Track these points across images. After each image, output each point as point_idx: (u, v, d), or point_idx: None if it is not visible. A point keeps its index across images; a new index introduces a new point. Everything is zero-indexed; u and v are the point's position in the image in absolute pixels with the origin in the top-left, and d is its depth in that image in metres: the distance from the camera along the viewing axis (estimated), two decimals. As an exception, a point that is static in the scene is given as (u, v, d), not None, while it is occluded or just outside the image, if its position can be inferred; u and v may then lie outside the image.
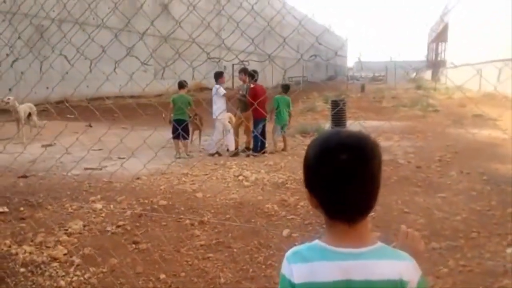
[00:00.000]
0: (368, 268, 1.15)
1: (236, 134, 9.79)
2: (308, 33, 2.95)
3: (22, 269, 3.93)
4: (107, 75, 3.20)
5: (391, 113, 16.69)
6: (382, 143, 10.42)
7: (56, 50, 3.49)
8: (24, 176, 6.92)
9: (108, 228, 4.94)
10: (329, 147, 1.17)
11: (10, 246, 4.36)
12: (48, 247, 4.38)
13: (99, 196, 6.05)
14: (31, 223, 4.78)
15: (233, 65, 12.20)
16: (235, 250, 4.39)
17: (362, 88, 28.83)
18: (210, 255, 4.29)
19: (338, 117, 10.43)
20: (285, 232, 4.81)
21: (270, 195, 6.30)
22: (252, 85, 9.43)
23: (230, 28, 3.10)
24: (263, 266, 4.09)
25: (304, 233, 4.70)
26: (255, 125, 9.26)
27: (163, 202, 5.85)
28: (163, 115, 9.29)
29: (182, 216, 5.23)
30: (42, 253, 4.24)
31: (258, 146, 9.35)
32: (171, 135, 8.72)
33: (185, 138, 9.20)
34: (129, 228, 4.93)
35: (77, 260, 4.10)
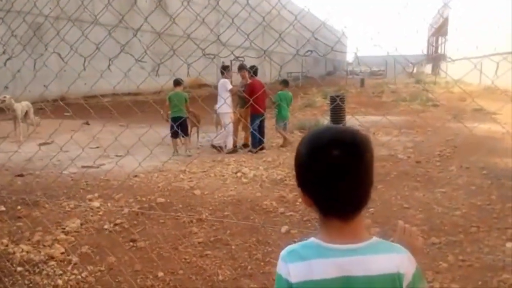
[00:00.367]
0: (366, 264, 1.14)
1: (235, 131, 9.75)
2: (307, 28, 2.91)
3: (19, 268, 3.91)
4: (102, 72, 3.17)
5: (391, 107, 16.65)
6: (382, 138, 10.41)
7: (52, 47, 3.45)
8: (21, 175, 6.90)
9: (106, 226, 4.92)
10: (321, 143, 1.16)
11: (7, 245, 4.34)
12: (45, 246, 4.36)
13: (96, 194, 6.03)
14: (28, 222, 4.75)
15: (231, 61, 12.17)
16: (233, 247, 4.38)
17: (362, 83, 28.78)
18: (208, 252, 4.27)
19: (337, 112, 10.38)
20: (284, 228, 4.79)
21: (269, 191, 6.28)
22: (249, 81, 9.39)
23: (228, 24, 3.06)
24: (262, 263, 4.07)
25: (302, 229, 4.68)
26: (252, 120, 9.22)
27: (161, 200, 5.82)
28: (162, 113, 9.23)
29: (179, 214, 5.21)
30: (39, 252, 4.23)
31: (256, 143, 9.32)
32: (168, 133, 8.67)
33: (185, 135, 9.17)
34: (126, 226, 4.91)
35: (74, 259, 4.09)
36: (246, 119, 9.52)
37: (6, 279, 3.71)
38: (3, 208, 5.40)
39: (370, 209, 5.26)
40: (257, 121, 9.00)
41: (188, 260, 4.13)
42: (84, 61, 2.82)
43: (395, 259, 1.16)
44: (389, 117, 13.05)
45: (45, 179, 6.80)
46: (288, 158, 8.39)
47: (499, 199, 5.63)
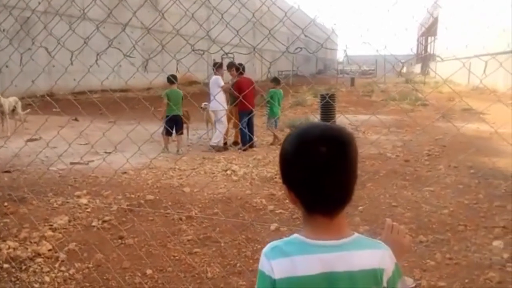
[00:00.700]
0: (350, 259, 1.16)
1: (226, 129, 9.72)
2: (297, 26, 2.91)
3: (5, 265, 3.87)
4: (89, 67, 3.13)
5: (380, 107, 16.74)
6: (371, 136, 10.46)
7: (40, 42, 3.41)
8: (8, 171, 6.82)
9: (94, 223, 4.89)
10: (307, 140, 1.17)
11: (-7, 242, 4.28)
12: (33, 243, 4.32)
13: (84, 191, 5.98)
14: (15, 219, 4.69)
15: (221, 57, 12.13)
16: (222, 244, 4.36)
17: (352, 82, 28.88)
18: (197, 250, 4.26)
19: (327, 111, 10.41)
20: (273, 226, 4.80)
21: (258, 189, 6.28)
22: (236, 78, 9.38)
23: (217, 20, 3.05)
24: (251, 261, 4.06)
25: (292, 227, 4.68)
26: (240, 118, 9.22)
27: (150, 197, 5.79)
28: (158, 110, 9.04)
29: (169, 211, 5.19)
30: (26, 248, 4.18)
31: (246, 140, 9.32)
32: (157, 129, 8.58)
33: (180, 133, 9.12)
34: (115, 223, 4.87)
35: (62, 256, 4.05)
36: (236, 117, 9.52)
37: (-8, 276, 3.67)
38: (-11, 205, 5.33)
39: (359, 207, 5.28)
40: (245, 119, 8.99)
41: (177, 258, 4.11)
42: (72, 56, 2.79)
43: (377, 255, 1.18)
44: (378, 116, 13.12)
45: (33, 176, 6.72)
46: (278, 156, 8.39)
47: (487, 198, 5.69)
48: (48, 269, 3.84)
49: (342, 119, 9.85)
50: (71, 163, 7.01)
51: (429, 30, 45.58)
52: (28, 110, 10.37)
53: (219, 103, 8.68)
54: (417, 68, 46.34)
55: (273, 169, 7.30)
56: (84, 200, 5.56)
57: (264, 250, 1.23)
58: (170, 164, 7.67)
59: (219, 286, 3.64)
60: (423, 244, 4.34)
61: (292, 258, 1.17)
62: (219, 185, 6.46)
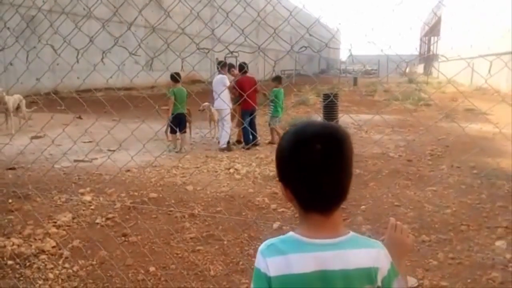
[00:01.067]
0: (345, 258, 1.16)
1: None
2: (302, 25, 2.92)
3: (10, 262, 3.89)
4: (95, 66, 3.15)
5: (383, 107, 16.71)
6: (374, 136, 10.46)
7: (45, 40, 3.43)
8: (13, 168, 6.85)
9: (98, 221, 4.91)
10: (304, 138, 1.18)
11: (-3, 239, 4.31)
12: (37, 240, 4.34)
13: (88, 189, 6.01)
14: (19, 215, 4.72)
15: (225, 56, 12.15)
16: (225, 242, 4.38)
17: (355, 81, 28.83)
18: (200, 247, 4.28)
19: (330, 110, 10.41)
20: (276, 225, 4.81)
21: (261, 188, 6.30)
22: (238, 78, 9.39)
23: (222, 19, 3.06)
24: (253, 259, 4.03)
25: (294, 226, 4.69)
26: (242, 117, 9.23)
27: (154, 195, 5.82)
28: (156, 108, 9.04)
29: (172, 209, 5.21)
30: (31, 245, 4.21)
31: (249, 139, 9.33)
32: (161, 127, 8.58)
33: (184, 132, 9.13)
34: (118, 220, 4.90)
35: (65, 253, 4.08)
36: (239, 116, 9.53)
37: (-3, 272, 3.70)
38: (-6, 201, 5.36)
39: (362, 207, 5.30)
40: (247, 117, 9.00)
41: (180, 255, 4.13)
42: (77, 54, 2.81)
43: (373, 254, 1.18)
44: (381, 115, 13.10)
45: (37, 173, 6.76)
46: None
47: (489, 198, 5.69)
48: (52, 266, 3.87)
49: (345, 118, 9.86)
50: (75, 161, 7.04)
51: (433, 30, 45.44)
52: (34, 108, 10.42)
53: (224, 101, 8.68)
54: (420, 68, 46.21)
55: (275, 168, 7.30)
56: (88, 198, 5.59)
57: (260, 247, 1.24)
58: (174, 162, 7.70)
59: (222, 284, 3.66)
60: (426, 243, 4.35)
61: (287, 256, 1.17)
62: (222, 184, 6.48)
